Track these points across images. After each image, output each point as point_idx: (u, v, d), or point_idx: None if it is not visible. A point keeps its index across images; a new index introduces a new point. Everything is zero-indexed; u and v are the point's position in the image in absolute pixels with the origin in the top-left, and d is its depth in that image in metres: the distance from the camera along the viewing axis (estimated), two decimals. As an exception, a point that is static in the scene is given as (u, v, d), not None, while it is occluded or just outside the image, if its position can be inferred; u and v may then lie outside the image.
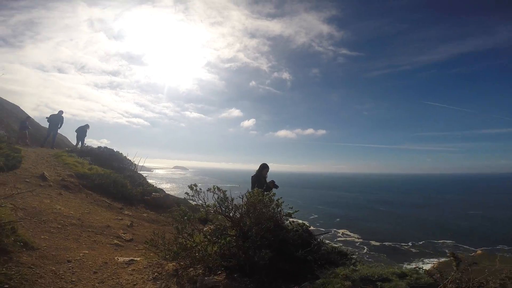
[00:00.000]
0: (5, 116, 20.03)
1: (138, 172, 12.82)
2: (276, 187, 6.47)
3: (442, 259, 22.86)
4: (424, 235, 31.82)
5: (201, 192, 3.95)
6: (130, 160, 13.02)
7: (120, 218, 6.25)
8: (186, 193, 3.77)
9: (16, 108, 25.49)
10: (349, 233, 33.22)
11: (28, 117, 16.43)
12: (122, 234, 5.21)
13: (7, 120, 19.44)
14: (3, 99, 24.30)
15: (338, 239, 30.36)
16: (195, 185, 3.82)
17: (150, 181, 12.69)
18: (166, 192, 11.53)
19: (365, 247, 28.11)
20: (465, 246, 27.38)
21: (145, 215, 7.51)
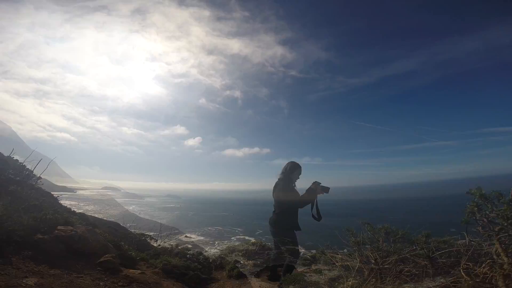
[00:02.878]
0: None
1: (41, 187, 7.66)
2: (327, 190, 4.26)
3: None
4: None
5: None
6: (30, 170, 7.83)
7: None
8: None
9: None
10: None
11: None
12: None
13: None
14: None
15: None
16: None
17: (69, 202, 7.61)
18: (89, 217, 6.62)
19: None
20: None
21: (30, 282, 3.08)
